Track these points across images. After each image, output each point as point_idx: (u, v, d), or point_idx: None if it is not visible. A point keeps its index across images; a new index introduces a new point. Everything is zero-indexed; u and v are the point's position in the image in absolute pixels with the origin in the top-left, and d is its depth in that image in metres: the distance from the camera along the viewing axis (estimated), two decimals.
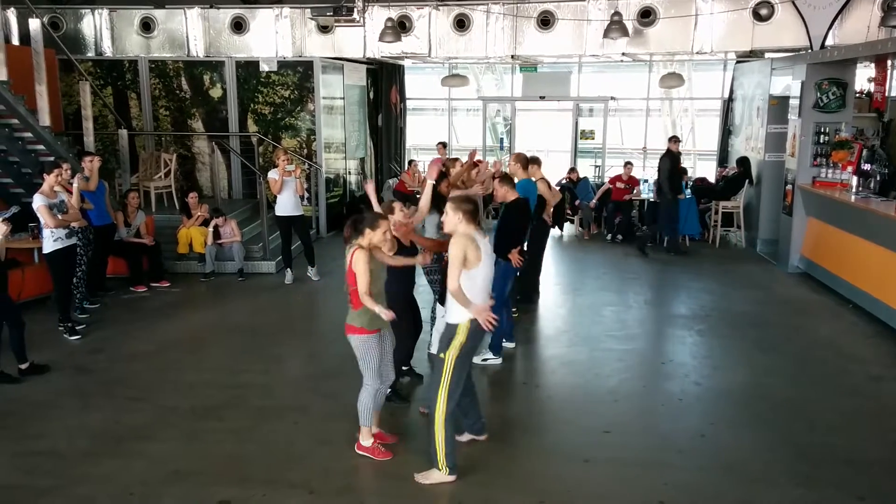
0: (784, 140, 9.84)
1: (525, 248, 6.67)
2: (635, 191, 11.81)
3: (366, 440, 4.72)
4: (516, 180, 6.96)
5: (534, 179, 7.47)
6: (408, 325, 5.52)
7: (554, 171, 13.02)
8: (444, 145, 12.71)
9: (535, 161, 7.71)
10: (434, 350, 6.18)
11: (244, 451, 4.84)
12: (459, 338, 4.22)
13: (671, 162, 10.26)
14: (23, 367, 6.05)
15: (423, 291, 6.40)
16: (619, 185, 11.71)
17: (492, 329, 4.28)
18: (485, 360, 6.27)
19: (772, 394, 5.76)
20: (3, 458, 4.79)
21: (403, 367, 5.79)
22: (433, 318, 5.91)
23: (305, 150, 11.61)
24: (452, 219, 4.24)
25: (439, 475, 4.33)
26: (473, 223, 4.25)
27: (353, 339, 4.58)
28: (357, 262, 4.39)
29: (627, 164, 12.03)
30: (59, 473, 4.57)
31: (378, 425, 4.85)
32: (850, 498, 4.29)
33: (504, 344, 6.51)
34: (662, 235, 10.92)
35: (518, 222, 6.25)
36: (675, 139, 10.51)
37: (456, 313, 4.25)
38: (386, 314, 4.38)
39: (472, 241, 4.15)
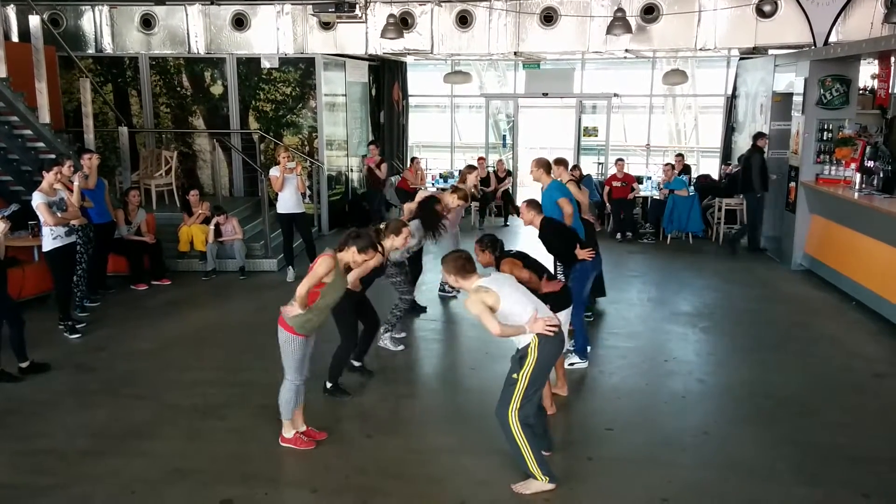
0: (787, 137, 9.80)
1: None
2: (635, 188, 11.76)
3: (287, 432, 4.77)
4: (542, 187, 6.85)
5: (563, 181, 7.11)
6: (352, 325, 5.65)
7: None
8: (375, 144, 12.11)
9: (561, 162, 7.44)
10: (384, 344, 6.48)
11: (246, 449, 4.82)
12: (531, 357, 4.18)
13: (762, 159, 10.19)
14: (23, 365, 6.03)
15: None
16: (616, 183, 11.66)
17: (553, 334, 4.17)
18: (571, 364, 6.09)
19: (775, 391, 5.73)
20: (3, 456, 4.77)
21: (356, 363, 5.93)
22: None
23: (307, 148, 11.58)
24: (451, 281, 4.30)
25: (539, 484, 4.26)
26: (474, 272, 4.25)
27: (280, 332, 4.62)
28: (320, 265, 4.46)
29: (618, 161, 11.97)
30: (59, 472, 4.56)
31: (304, 422, 4.87)
32: (855, 495, 4.27)
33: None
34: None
35: (556, 234, 6.06)
36: (763, 136, 10.43)
37: (522, 337, 4.22)
38: (292, 310, 4.48)
39: (484, 291, 4.13)
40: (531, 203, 6.03)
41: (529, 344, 4.19)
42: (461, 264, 4.26)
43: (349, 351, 5.70)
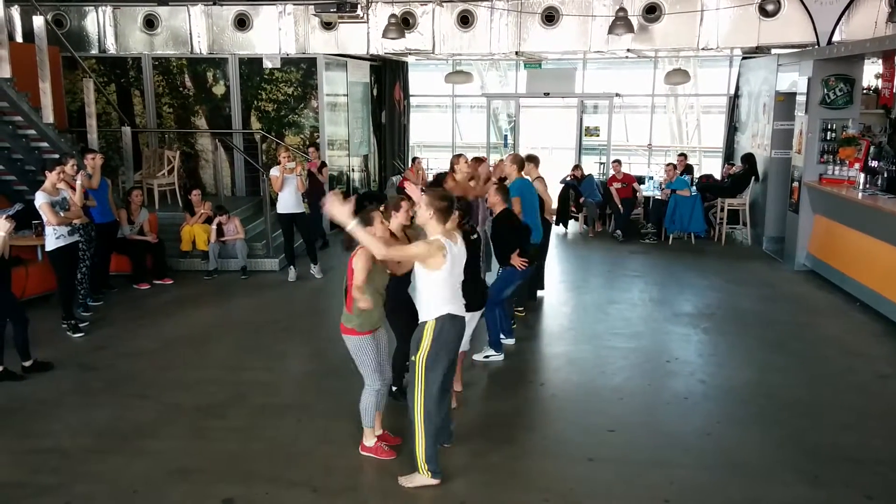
0: (790, 137, 9.77)
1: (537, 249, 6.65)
2: (636, 187, 11.74)
3: (369, 441, 4.70)
4: (509, 182, 6.90)
5: (530, 179, 7.30)
6: (406, 323, 5.46)
7: (558, 169, 12.99)
8: (316, 147, 11.22)
9: (532, 159, 7.59)
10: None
11: (247, 448, 4.83)
12: (427, 338, 4.13)
13: None
14: (26, 364, 6.05)
15: None
16: (616, 185, 11.64)
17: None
18: (487, 356, 6.26)
19: (778, 392, 5.72)
20: (6, 455, 4.79)
21: (407, 363, 5.74)
22: None
23: (309, 148, 11.58)
24: (424, 213, 4.12)
25: (422, 478, 4.27)
26: (443, 223, 4.11)
27: (346, 339, 4.57)
28: (358, 258, 4.37)
29: (615, 162, 11.98)
30: (62, 471, 4.57)
31: (381, 426, 4.82)
32: (858, 496, 4.26)
33: (504, 341, 6.47)
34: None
35: (508, 230, 6.15)
36: None
37: (423, 312, 4.16)
38: (365, 302, 4.31)
39: (439, 248, 4.02)
40: (501, 188, 6.19)
41: (427, 324, 4.12)
42: (443, 207, 4.08)
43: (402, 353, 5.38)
